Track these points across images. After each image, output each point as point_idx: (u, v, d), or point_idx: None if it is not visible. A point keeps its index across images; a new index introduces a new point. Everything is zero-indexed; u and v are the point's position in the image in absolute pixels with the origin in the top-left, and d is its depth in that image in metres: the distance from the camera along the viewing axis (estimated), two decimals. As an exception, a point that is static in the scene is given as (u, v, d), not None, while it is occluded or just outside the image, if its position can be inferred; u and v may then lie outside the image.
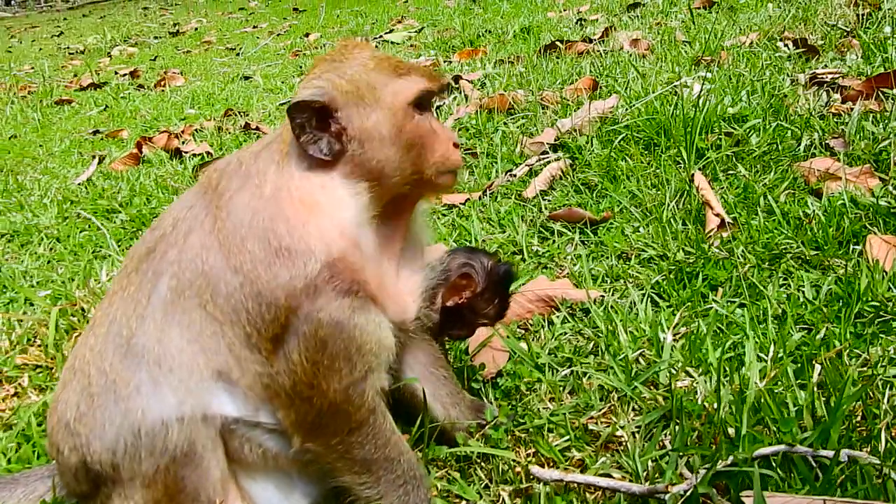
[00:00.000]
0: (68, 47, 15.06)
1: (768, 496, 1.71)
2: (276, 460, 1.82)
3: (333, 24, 12.42)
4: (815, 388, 2.03)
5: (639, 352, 2.39)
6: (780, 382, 2.12)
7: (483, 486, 2.04)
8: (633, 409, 2.20)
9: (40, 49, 15.82)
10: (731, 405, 2.04)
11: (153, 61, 11.54)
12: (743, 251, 2.83)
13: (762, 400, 2.03)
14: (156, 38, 14.90)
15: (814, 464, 1.83)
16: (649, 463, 1.99)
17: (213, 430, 1.70)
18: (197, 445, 1.66)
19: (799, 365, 2.18)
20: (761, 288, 2.60)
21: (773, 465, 1.85)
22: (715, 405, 2.03)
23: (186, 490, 1.67)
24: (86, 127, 6.98)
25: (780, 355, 2.18)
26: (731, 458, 1.83)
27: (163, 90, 8.41)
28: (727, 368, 2.20)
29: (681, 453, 1.95)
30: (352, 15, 13.09)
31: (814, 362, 2.11)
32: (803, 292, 2.56)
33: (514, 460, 2.06)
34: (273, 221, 1.67)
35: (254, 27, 14.32)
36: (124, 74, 10.07)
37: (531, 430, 2.15)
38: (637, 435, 2.09)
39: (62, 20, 23.43)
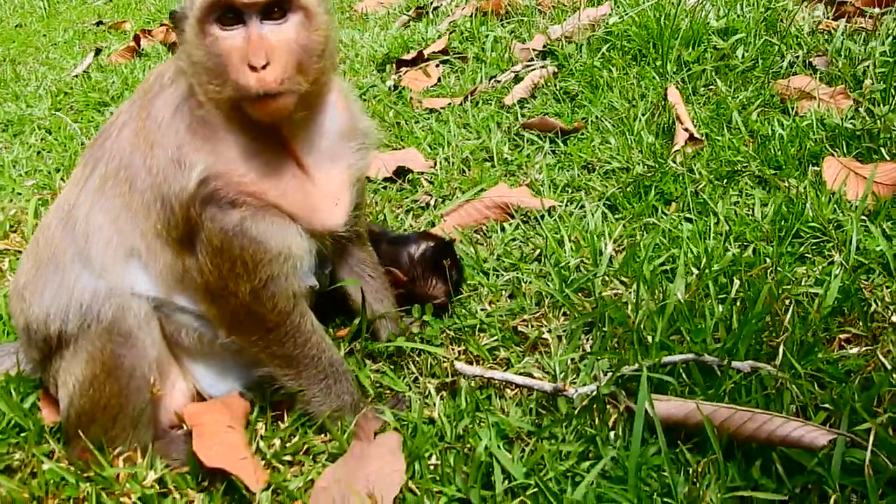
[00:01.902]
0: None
1: (658, 399, 1.82)
2: (210, 346, 1.96)
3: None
4: (733, 303, 2.11)
5: (579, 260, 2.46)
6: (702, 296, 2.19)
7: (413, 379, 2.18)
8: (564, 315, 2.30)
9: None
10: (653, 316, 2.13)
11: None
12: (702, 167, 2.86)
13: (682, 312, 2.12)
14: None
15: (719, 374, 1.93)
16: (568, 364, 2.10)
17: (143, 310, 1.82)
18: (128, 322, 1.78)
19: (725, 280, 2.25)
20: (711, 204, 2.64)
21: (683, 374, 1.96)
22: (636, 316, 2.13)
23: (123, 367, 1.81)
24: (90, 17, 6.96)
25: (707, 270, 2.25)
26: (639, 364, 1.94)
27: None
28: (657, 281, 2.28)
29: (597, 357, 2.07)
30: None
31: (734, 278, 2.18)
32: (752, 210, 2.60)
33: (443, 357, 2.19)
34: (172, 131, 1.75)
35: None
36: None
37: (464, 328, 2.26)
38: (562, 339, 2.20)
39: None
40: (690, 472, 1.72)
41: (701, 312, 2.12)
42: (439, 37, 4.68)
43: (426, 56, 4.37)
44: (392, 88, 4.12)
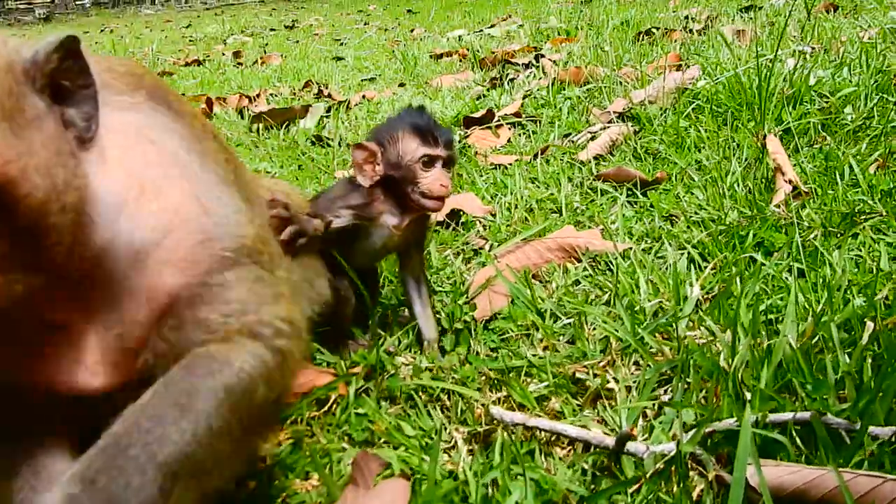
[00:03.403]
0: (190, 36, 15.67)
1: (765, 464, 1.31)
2: None
3: (442, 20, 12.35)
4: (862, 357, 1.60)
5: (657, 303, 2.00)
6: (820, 346, 1.69)
7: (439, 425, 1.71)
8: (635, 365, 1.82)
9: (165, 36, 16.54)
10: (754, 365, 1.63)
11: (261, 48, 11.78)
12: (811, 215, 2.38)
13: (793, 363, 1.61)
14: (272, 29, 15.31)
15: (848, 441, 1.41)
16: (640, 421, 1.61)
17: None
18: None
19: (849, 332, 1.74)
20: (825, 254, 2.15)
21: (798, 439, 1.44)
22: (730, 363, 1.64)
23: None
24: (177, 91, 7.06)
25: (826, 318, 1.75)
26: (736, 417, 1.44)
27: (259, 67, 8.49)
28: (758, 329, 1.79)
29: (677, 411, 1.57)
30: (461, 14, 13.00)
31: (865, 320, 1.67)
32: (876, 260, 2.10)
33: (477, 401, 1.73)
34: None
35: (365, 24, 14.46)
36: (227, 54, 10.30)
37: (507, 370, 1.81)
38: (632, 390, 1.72)
39: (195, 16, 24.60)
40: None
41: (820, 366, 1.61)
42: (513, 102, 4.42)
43: (497, 118, 4.08)
44: (456, 144, 3.82)
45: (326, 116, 4.81)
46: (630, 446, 1.46)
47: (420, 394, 1.78)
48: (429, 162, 1.90)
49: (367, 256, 2.03)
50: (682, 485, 1.37)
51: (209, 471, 1.18)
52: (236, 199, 1.37)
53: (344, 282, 2.00)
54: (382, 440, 1.65)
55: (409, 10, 16.04)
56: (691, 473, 1.42)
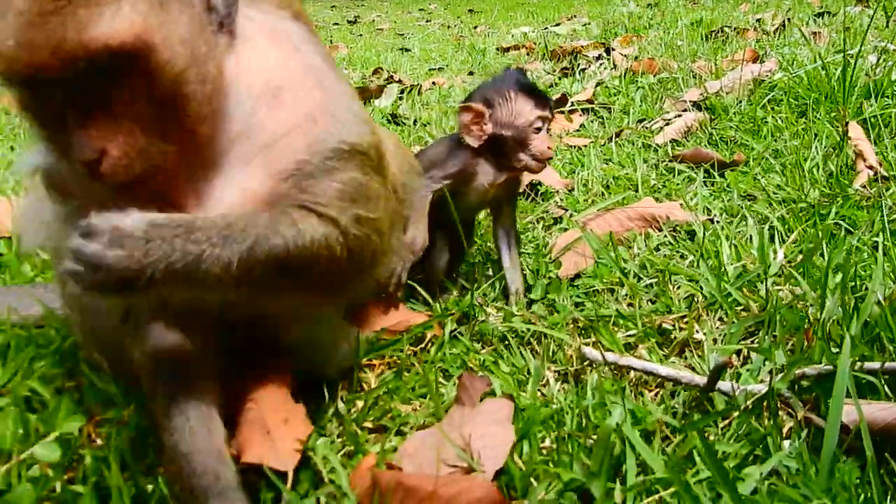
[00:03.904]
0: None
1: (865, 404, 1.37)
2: None
3: (505, 19, 12.43)
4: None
5: (740, 265, 2.06)
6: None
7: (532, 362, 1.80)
8: (720, 321, 1.88)
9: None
10: (840, 321, 1.69)
11: (326, 40, 12.01)
12: (894, 195, 2.41)
13: (881, 319, 1.66)
14: (335, 24, 15.57)
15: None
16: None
17: None
18: None
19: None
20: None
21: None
22: (819, 315, 1.69)
23: None
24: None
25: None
26: (825, 364, 1.50)
27: (327, 55, 8.69)
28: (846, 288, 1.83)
29: (765, 358, 1.63)
30: (524, 14, 13.06)
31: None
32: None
33: (568, 343, 1.81)
34: None
35: (427, 21, 14.61)
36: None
37: (596, 318, 1.89)
38: (718, 342, 1.78)
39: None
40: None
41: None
42: (584, 90, 4.48)
43: (570, 102, 4.15)
44: (531, 125, 3.91)
45: (400, 98, 4.94)
46: (721, 385, 1.53)
47: (510, 336, 1.87)
48: (539, 126, 1.98)
49: (462, 212, 2.13)
50: (773, 421, 1.44)
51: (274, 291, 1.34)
52: (363, 112, 1.51)
53: (438, 233, 2.09)
54: (479, 374, 1.75)
55: (470, 10, 16.15)
56: (780, 413, 1.48)
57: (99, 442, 1.57)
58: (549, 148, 1.98)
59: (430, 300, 2.05)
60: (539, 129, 1.97)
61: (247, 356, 1.56)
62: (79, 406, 1.64)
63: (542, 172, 2.90)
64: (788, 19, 6.60)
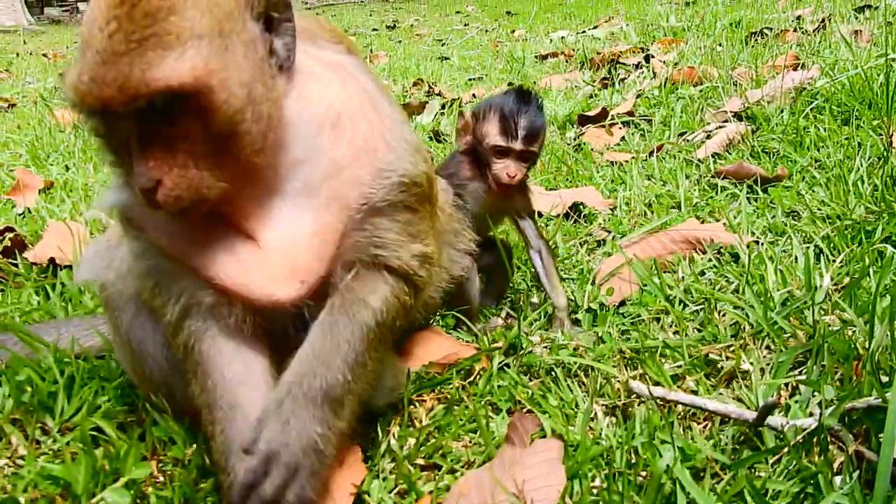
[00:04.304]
0: (296, 37, 16.25)
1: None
2: None
3: (543, 22, 12.42)
4: None
5: (786, 292, 2.06)
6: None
7: (581, 397, 1.83)
8: (767, 349, 1.89)
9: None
10: (891, 350, 1.69)
11: (366, 48, 12.13)
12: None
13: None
14: (374, 29, 15.71)
15: None
16: (775, 397, 1.69)
17: None
18: None
19: None
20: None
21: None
22: (868, 346, 1.69)
23: None
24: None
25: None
26: (876, 397, 1.51)
27: (369, 65, 8.78)
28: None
29: (814, 389, 1.64)
30: (562, 16, 13.02)
31: None
32: None
33: (615, 377, 1.84)
34: None
35: (465, 25, 14.66)
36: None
37: (642, 350, 1.91)
38: (766, 373, 1.79)
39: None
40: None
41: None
42: (625, 101, 4.48)
43: (610, 115, 4.16)
44: (571, 140, 3.93)
45: (441, 113, 4.99)
46: (770, 420, 1.54)
47: (558, 368, 1.91)
48: (502, 152, 2.05)
49: (473, 224, 2.13)
50: (823, 457, 1.45)
51: (353, 390, 1.50)
52: (415, 138, 1.61)
53: (466, 260, 2.11)
54: (526, 409, 1.78)
55: (507, 12, 16.15)
56: (830, 447, 1.49)
57: (161, 479, 1.65)
58: (509, 175, 2.07)
59: (474, 329, 2.09)
60: (502, 156, 2.06)
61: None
62: (140, 442, 1.71)
63: (580, 196, 2.96)
64: (829, 16, 6.49)
